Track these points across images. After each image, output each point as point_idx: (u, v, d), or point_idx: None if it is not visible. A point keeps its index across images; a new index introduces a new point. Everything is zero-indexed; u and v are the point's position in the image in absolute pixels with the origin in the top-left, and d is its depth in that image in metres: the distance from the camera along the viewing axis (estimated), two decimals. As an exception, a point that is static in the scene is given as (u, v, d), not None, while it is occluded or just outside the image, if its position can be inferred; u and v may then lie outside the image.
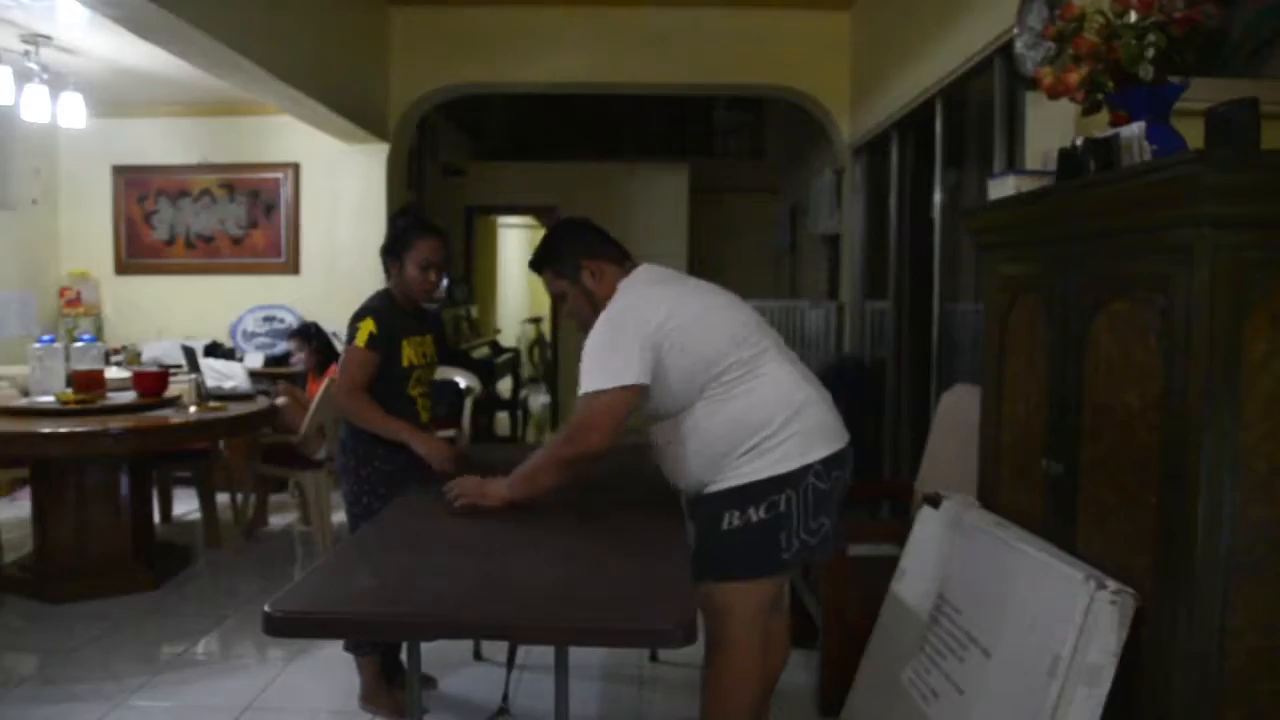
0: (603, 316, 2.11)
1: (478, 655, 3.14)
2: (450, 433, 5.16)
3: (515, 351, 9.13)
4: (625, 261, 2.25)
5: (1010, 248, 2.37)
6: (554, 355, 8.90)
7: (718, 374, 2.06)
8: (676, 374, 2.05)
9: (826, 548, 2.14)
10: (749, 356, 2.07)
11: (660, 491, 2.25)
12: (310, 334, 4.76)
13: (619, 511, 2.23)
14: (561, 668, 1.79)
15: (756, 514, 2.04)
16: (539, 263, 2.29)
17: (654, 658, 3.17)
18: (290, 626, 1.55)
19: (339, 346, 4.65)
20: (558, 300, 2.32)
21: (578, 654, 2.95)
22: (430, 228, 2.70)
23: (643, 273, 2.22)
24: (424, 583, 1.71)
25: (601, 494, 2.25)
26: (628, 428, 2.07)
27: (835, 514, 2.12)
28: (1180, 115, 1.89)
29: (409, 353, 2.67)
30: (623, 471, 2.51)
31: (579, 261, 2.21)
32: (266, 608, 1.49)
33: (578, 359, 2.10)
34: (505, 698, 2.74)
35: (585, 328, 2.20)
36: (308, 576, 1.79)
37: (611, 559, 1.84)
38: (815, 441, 2.07)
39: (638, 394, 2.04)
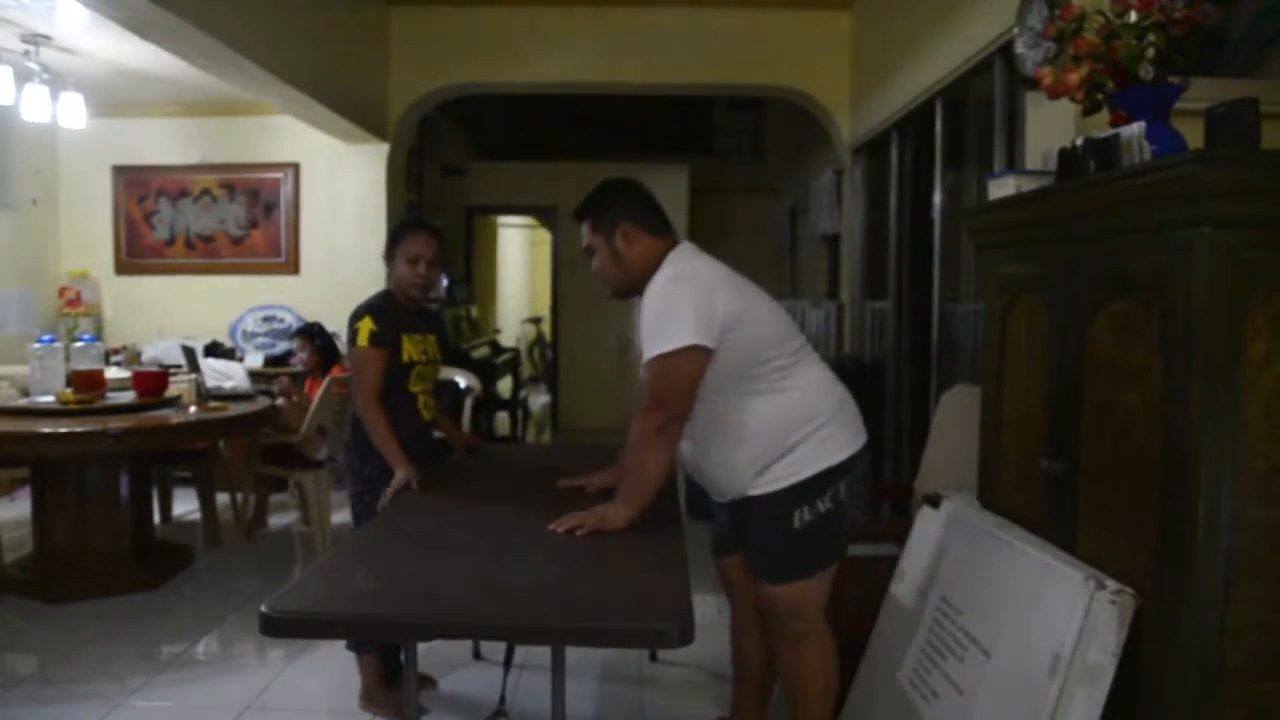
0: (661, 280, 2.09)
1: (477, 655, 3.14)
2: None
3: (515, 351, 9.11)
4: (666, 235, 2.22)
5: (1010, 248, 2.36)
6: (554, 355, 8.90)
7: (766, 360, 2.08)
8: (729, 354, 2.04)
9: (858, 521, 2.25)
10: (795, 349, 2.14)
11: (658, 493, 2.25)
12: (314, 334, 4.76)
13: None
14: (558, 668, 1.79)
15: (824, 505, 2.10)
16: (582, 211, 2.24)
17: (654, 658, 3.17)
18: (287, 627, 1.55)
19: (341, 348, 4.66)
20: (585, 254, 2.26)
21: (577, 654, 2.96)
22: (419, 224, 2.81)
23: (691, 248, 2.21)
24: (422, 583, 1.71)
25: (599, 495, 2.25)
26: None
27: None
28: (1180, 115, 1.88)
29: (409, 349, 2.67)
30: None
31: (617, 221, 2.17)
32: (263, 608, 1.49)
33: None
34: (503, 699, 2.74)
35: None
36: (305, 577, 1.79)
37: (609, 560, 1.84)
38: (859, 429, 2.19)
39: (705, 356, 2.01)
